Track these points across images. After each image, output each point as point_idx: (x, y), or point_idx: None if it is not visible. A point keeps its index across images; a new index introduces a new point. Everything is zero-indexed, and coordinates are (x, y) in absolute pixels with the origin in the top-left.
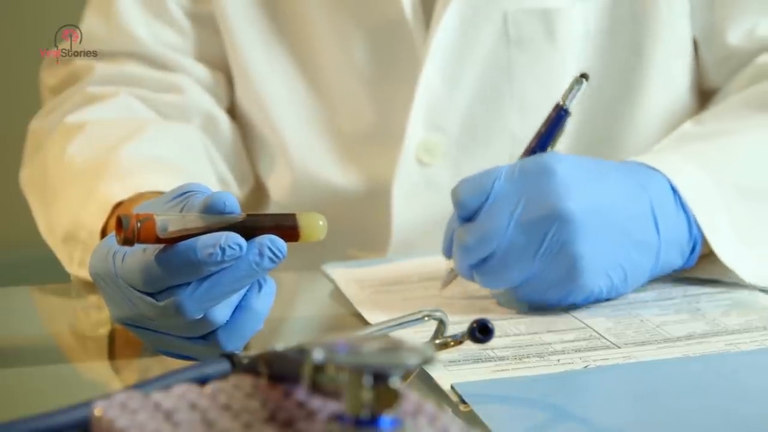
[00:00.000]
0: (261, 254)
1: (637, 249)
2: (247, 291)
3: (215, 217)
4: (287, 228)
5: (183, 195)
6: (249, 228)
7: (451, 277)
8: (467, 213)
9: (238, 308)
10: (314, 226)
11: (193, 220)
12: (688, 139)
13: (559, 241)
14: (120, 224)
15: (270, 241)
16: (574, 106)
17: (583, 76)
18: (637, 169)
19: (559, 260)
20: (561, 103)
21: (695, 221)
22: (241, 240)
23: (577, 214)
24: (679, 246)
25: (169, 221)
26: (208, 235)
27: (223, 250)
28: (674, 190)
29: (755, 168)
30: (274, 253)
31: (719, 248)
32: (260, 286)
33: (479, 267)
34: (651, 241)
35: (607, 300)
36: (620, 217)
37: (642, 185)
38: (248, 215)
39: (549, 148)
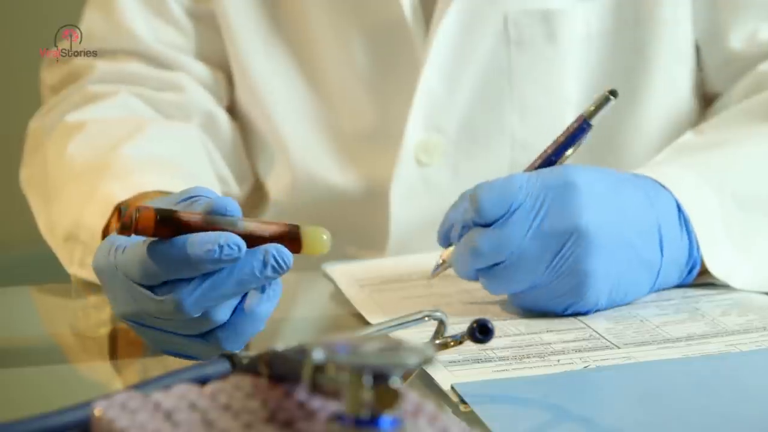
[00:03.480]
0: (265, 262)
1: (641, 267)
2: (250, 292)
3: (218, 219)
4: (289, 238)
5: (189, 199)
6: (250, 233)
7: (442, 268)
8: (486, 221)
9: (239, 309)
10: (317, 239)
11: (194, 218)
12: (689, 149)
13: (572, 255)
14: (119, 213)
15: (276, 250)
16: (596, 121)
17: (612, 93)
18: (645, 183)
19: (569, 275)
20: (586, 115)
21: (697, 243)
22: (240, 241)
23: (594, 230)
24: (678, 266)
25: (169, 215)
26: (207, 232)
27: (221, 248)
28: (679, 208)
29: (755, 178)
30: (278, 263)
31: (710, 259)
32: (263, 289)
33: (487, 272)
34: (654, 259)
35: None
36: (630, 235)
37: (650, 201)
38: (251, 221)
39: (562, 159)
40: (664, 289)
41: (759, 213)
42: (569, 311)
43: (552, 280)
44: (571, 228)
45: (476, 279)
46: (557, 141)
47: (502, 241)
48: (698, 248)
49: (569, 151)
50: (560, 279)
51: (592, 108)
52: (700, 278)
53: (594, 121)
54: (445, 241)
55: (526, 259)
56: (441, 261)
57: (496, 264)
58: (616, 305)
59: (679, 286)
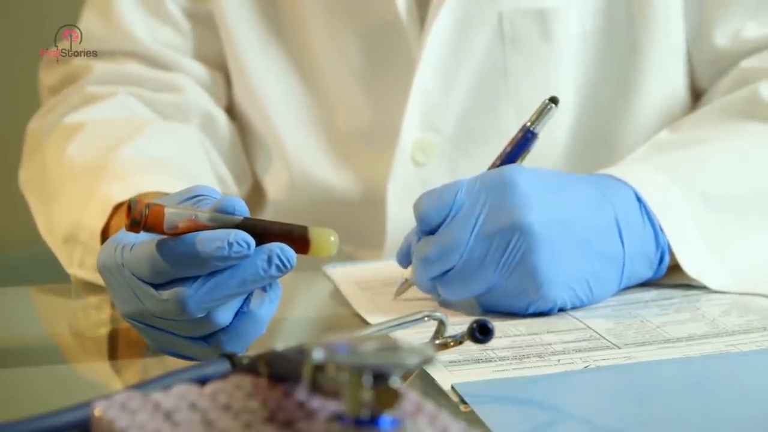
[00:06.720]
0: (269, 261)
1: (600, 261)
2: (251, 295)
3: (226, 218)
4: (297, 238)
5: (192, 198)
6: (259, 233)
7: (405, 286)
8: (429, 227)
9: (240, 312)
10: (325, 241)
11: (203, 217)
12: (661, 148)
13: (519, 252)
14: (128, 208)
15: (280, 249)
16: (541, 130)
17: (553, 100)
18: (603, 181)
19: (520, 272)
20: (529, 125)
21: (662, 231)
22: (249, 239)
23: (537, 226)
24: (647, 257)
25: (178, 214)
26: (216, 230)
27: (230, 245)
28: (640, 201)
29: (727, 177)
30: (282, 262)
31: (684, 258)
32: (265, 291)
33: (441, 279)
34: (615, 252)
35: (573, 308)
36: (582, 229)
37: (606, 197)
38: (259, 221)
39: None
40: (644, 285)
41: (730, 213)
42: (532, 310)
43: (506, 280)
44: (513, 225)
45: (435, 290)
46: (504, 152)
47: (447, 245)
48: (664, 236)
49: (518, 162)
50: (513, 278)
51: (534, 117)
52: (672, 278)
53: (538, 130)
54: (405, 260)
55: (475, 261)
56: (404, 280)
57: (449, 270)
58: (584, 303)
59: (679, 286)
